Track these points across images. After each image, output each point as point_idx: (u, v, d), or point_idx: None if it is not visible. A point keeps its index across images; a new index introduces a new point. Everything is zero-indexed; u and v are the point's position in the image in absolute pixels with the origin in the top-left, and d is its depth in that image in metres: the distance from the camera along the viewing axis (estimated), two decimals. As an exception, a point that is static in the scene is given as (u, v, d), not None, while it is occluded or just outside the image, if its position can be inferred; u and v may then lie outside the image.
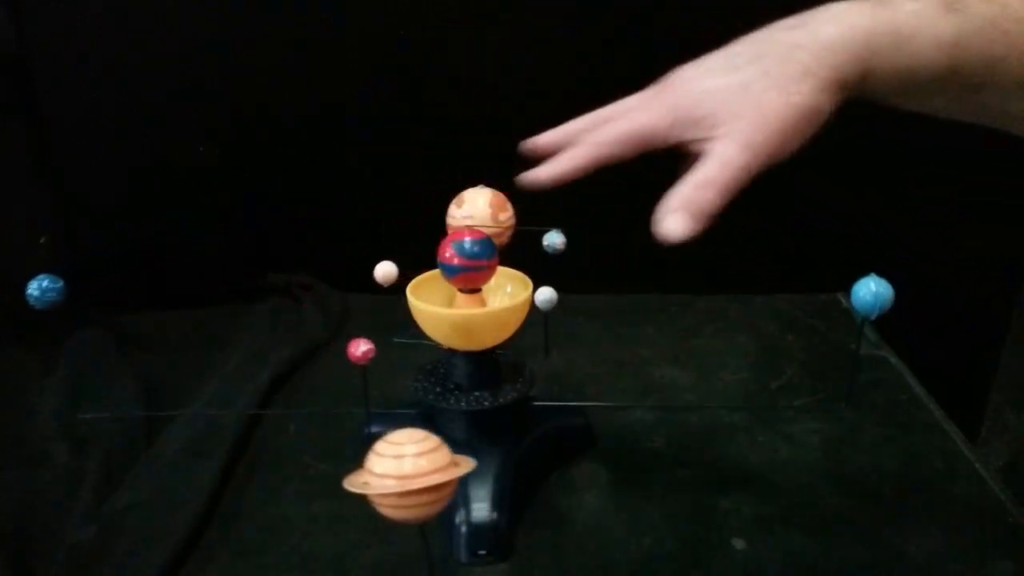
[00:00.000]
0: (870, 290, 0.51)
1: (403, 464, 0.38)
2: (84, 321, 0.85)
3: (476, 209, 0.58)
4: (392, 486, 0.38)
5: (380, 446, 0.39)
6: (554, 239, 0.61)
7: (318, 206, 0.93)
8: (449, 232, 0.56)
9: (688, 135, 0.46)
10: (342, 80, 0.88)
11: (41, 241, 0.90)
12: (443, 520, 0.57)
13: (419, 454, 0.38)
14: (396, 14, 0.85)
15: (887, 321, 0.87)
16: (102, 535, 0.56)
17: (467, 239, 0.54)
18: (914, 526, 0.58)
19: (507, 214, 0.59)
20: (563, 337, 0.82)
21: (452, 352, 0.60)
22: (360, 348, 0.56)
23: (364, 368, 0.56)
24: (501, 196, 0.59)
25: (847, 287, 1.03)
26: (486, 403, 0.58)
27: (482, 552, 0.55)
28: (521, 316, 0.58)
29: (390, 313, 0.61)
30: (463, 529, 0.55)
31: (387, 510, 0.39)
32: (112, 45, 0.85)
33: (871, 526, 0.58)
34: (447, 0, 0.85)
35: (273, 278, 0.93)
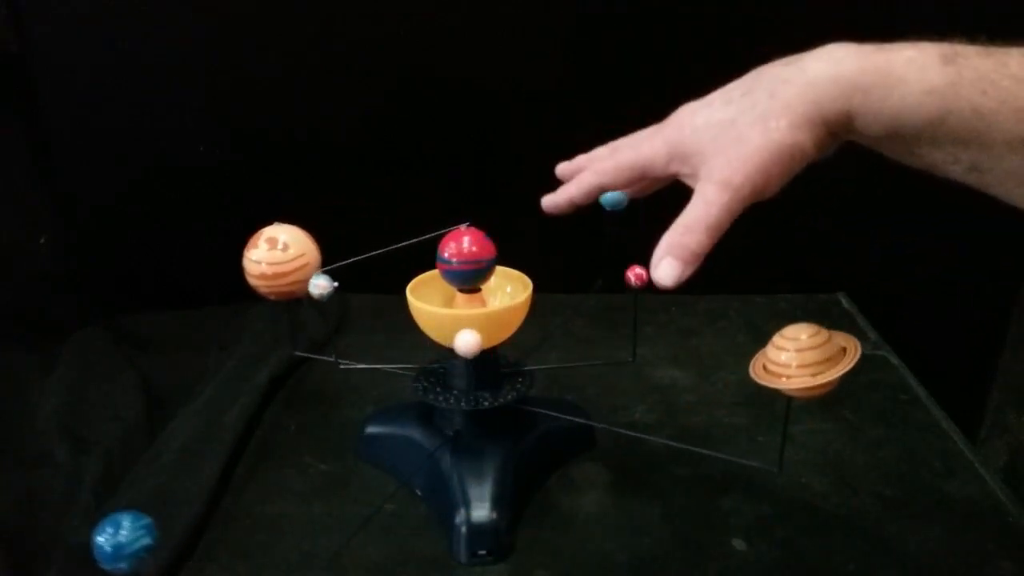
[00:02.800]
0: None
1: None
2: (84, 321, 0.86)
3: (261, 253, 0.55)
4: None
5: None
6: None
7: (318, 206, 0.93)
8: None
9: (682, 170, 0.48)
10: (342, 80, 0.88)
11: (41, 241, 0.90)
12: (443, 520, 0.57)
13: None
14: (396, 14, 0.85)
15: (887, 321, 0.88)
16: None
17: (466, 239, 0.54)
18: (914, 526, 0.58)
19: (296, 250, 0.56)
20: (563, 337, 0.83)
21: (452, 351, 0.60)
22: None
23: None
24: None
25: (847, 287, 1.04)
26: (486, 403, 0.58)
27: (482, 552, 0.55)
28: (521, 316, 0.58)
29: (390, 313, 0.61)
30: (463, 529, 0.55)
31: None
32: (112, 45, 0.85)
33: (871, 526, 0.58)
34: (447, 3, 0.85)
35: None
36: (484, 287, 0.58)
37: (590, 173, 0.54)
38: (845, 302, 0.93)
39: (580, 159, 0.57)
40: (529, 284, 0.60)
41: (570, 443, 0.66)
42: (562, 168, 0.58)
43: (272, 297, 0.56)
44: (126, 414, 0.71)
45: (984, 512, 0.60)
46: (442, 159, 0.92)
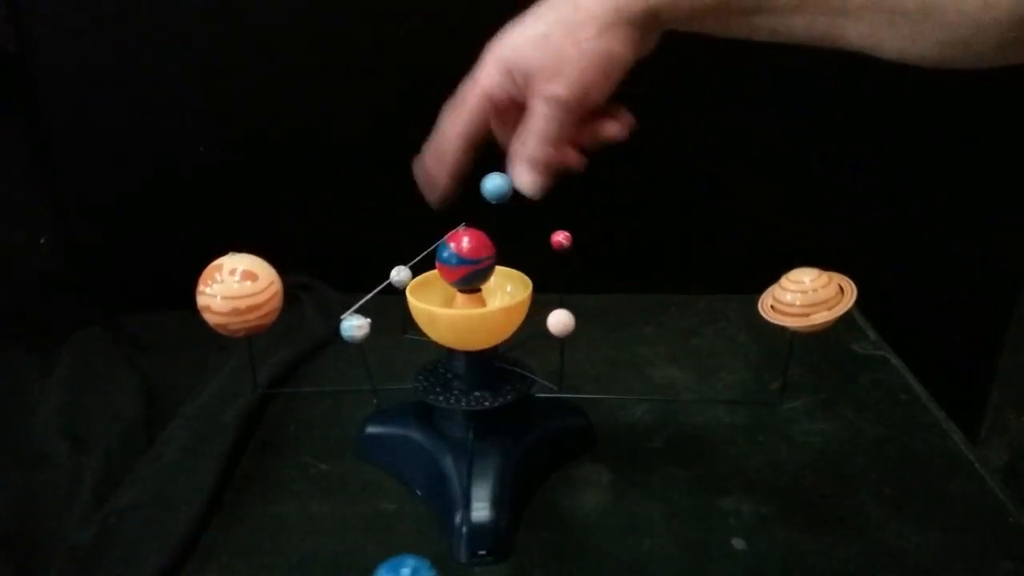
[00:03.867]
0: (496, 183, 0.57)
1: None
2: (84, 321, 0.86)
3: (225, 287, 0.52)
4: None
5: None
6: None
7: (318, 206, 0.94)
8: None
9: (513, 88, 0.49)
10: (342, 80, 0.88)
11: (41, 241, 0.90)
12: (443, 520, 0.57)
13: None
14: (397, 14, 0.85)
15: (887, 321, 0.88)
16: (102, 535, 0.56)
17: (466, 239, 0.54)
18: (914, 526, 0.58)
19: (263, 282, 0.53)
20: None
21: (452, 351, 0.60)
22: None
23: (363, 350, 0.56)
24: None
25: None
26: (486, 403, 0.58)
27: (482, 552, 0.55)
28: (521, 316, 0.58)
29: (390, 313, 0.61)
30: (463, 529, 0.55)
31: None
32: (112, 45, 0.85)
33: (871, 526, 0.58)
34: (447, 3, 0.85)
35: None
36: (484, 287, 0.58)
37: (454, 138, 0.53)
38: (845, 302, 0.93)
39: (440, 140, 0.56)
40: (529, 284, 0.60)
41: (570, 443, 0.66)
42: (424, 158, 0.56)
43: (240, 334, 0.53)
44: (126, 414, 0.71)
45: (984, 512, 0.60)
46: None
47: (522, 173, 0.50)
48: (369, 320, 0.53)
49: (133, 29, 0.85)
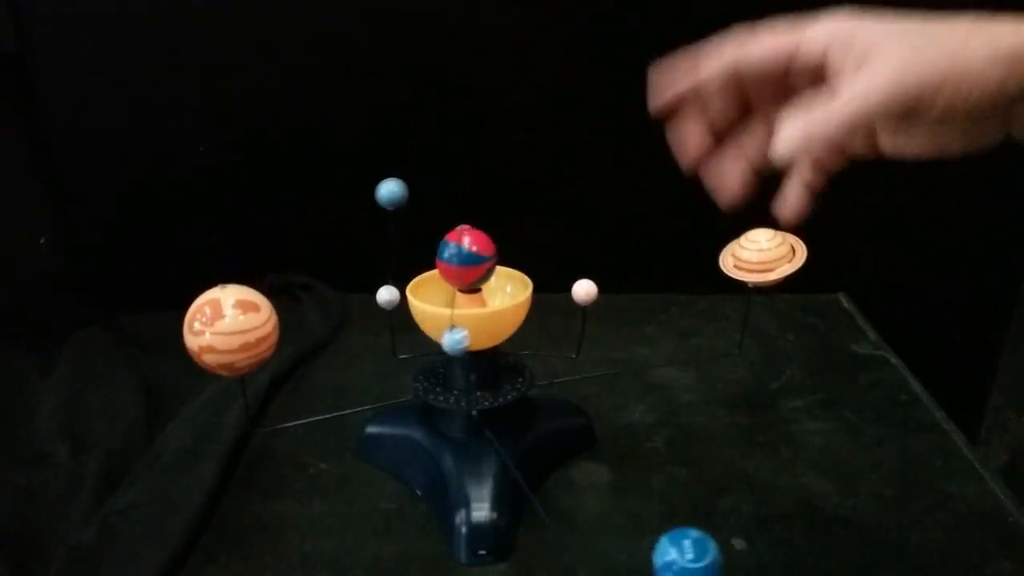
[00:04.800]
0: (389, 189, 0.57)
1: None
2: (84, 321, 0.86)
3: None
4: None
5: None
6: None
7: (318, 206, 0.94)
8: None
9: (834, 59, 0.41)
10: (342, 80, 0.88)
11: (41, 241, 0.90)
12: (443, 520, 0.57)
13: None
14: (397, 14, 0.85)
15: (887, 321, 0.88)
16: (102, 535, 0.56)
17: (466, 239, 0.54)
18: (914, 526, 0.58)
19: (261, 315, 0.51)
20: (563, 337, 0.82)
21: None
22: None
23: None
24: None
25: (847, 287, 1.04)
26: (486, 403, 0.58)
27: (482, 552, 0.55)
28: (521, 316, 0.58)
29: (390, 313, 0.61)
30: (463, 529, 0.55)
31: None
32: (112, 45, 0.85)
33: (871, 526, 0.58)
34: (447, 4, 0.85)
35: (273, 278, 0.93)
36: (484, 287, 0.58)
37: (730, 46, 0.45)
38: (845, 302, 0.93)
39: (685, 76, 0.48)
40: (529, 284, 0.60)
41: (570, 443, 0.66)
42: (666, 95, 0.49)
43: (244, 371, 0.50)
44: (126, 414, 0.71)
45: (984, 512, 0.60)
46: (442, 159, 0.92)
47: (793, 134, 0.41)
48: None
49: (133, 29, 0.85)
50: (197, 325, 0.49)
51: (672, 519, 0.59)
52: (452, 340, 0.50)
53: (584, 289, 0.57)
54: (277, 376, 0.75)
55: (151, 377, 0.78)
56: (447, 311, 0.57)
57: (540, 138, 0.90)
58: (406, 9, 0.85)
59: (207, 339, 0.49)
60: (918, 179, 0.93)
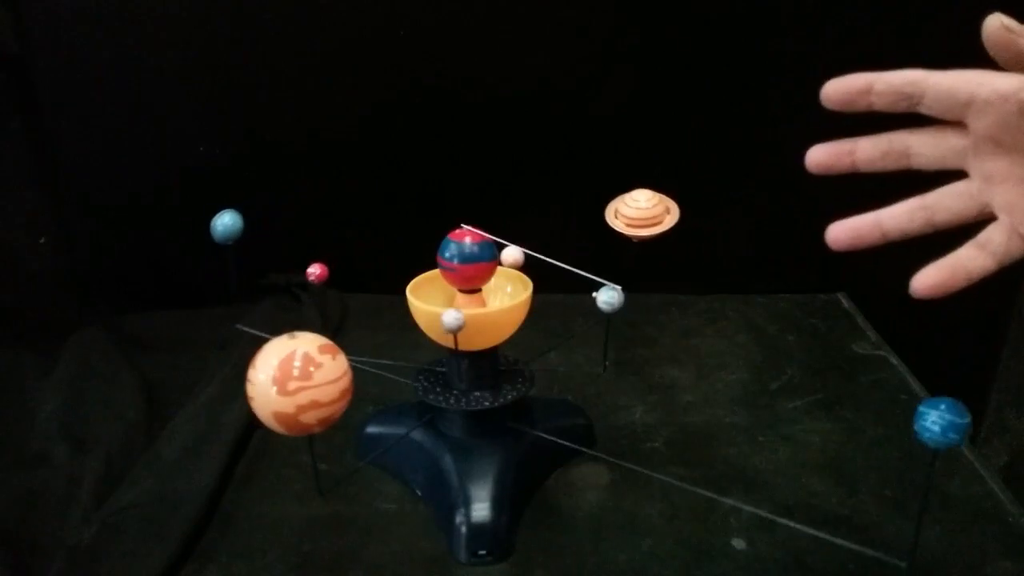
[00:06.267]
0: (223, 221, 0.60)
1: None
2: (84, 321, 0.86)
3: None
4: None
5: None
6: (610, 297, 0.59)
7: (318, 206, 0.94)
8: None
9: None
10: (342, 81, 0.88)
11: (41, 241, 0.90)
12: (443, 520, 0.57)
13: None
14: (397, 15, 0.85)
15: (887, 321, 0.88)
16: (102, 535, 0.56)
17: (466, 239, 0.55)
18: (914, 526, 0.58)
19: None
20: (563, 337, 0.82)
21: (454, 350, 0.60)
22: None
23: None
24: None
25: (847, 287, 1.03)
26: (486, 403, 0.58)
27: (482, 552, 0.55)
28: (521, 316, 0.58)
29: (390, 313, 0.61)
30: (463, 529, 0.55)
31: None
32: (112, 45, 0.85)
33: (871, 526, 0.58)
34: (447, 5, 0.85)
35: (273, 278, 0.93)
36: (484, 287, 0.58)
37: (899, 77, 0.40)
38: (845, 302, 0.93)
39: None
40: (529, 284, 0.60)
41: (570, 443, 0.66)
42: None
43: (332, 423, 0.46)
44: (126, 414, 0.71)
45: (984, 512, 0.60)
46: (442, 159, 0.92)
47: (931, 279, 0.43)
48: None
49: (133, 29, 0.85)
50: (292, 384, 0.43)
51: (672, 519, 0.59)
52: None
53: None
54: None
55: (151, 377, 0.78)
56: (447, 311, 0.57)
57: (540, 138, 0.90)
58: (406, 11, 0.85)
59: (310, 395, 0.43)
60: (918, 178, 0.92)
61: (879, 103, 0.42)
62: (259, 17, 0.85)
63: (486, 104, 0.89)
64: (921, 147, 0.43)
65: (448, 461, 0.58)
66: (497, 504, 0.56)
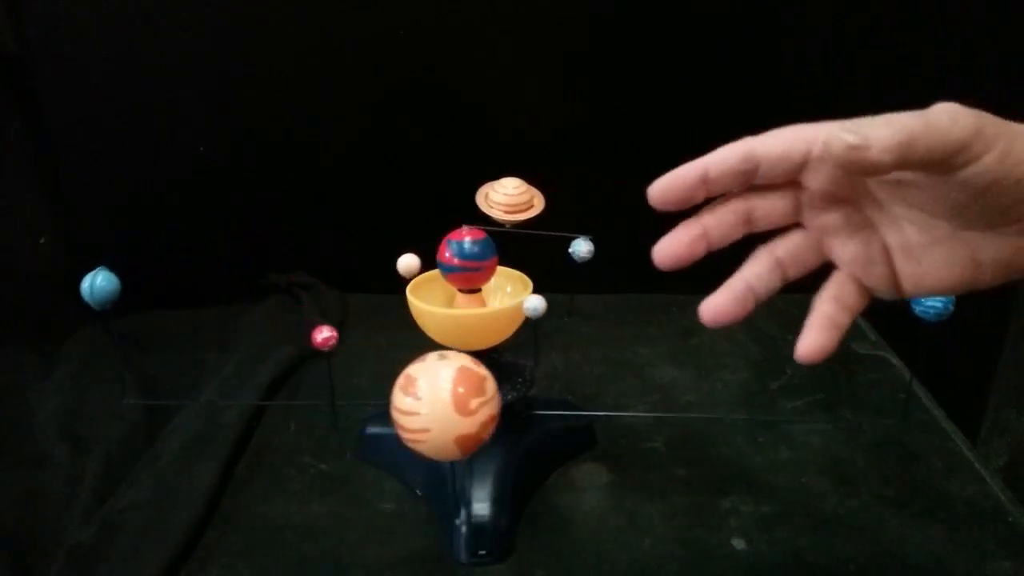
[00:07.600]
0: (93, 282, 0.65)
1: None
2: (84, 321, 0.85)
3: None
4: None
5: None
6: (580, 247, 0.66)
7: (318, 206, 0.93)
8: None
9: (975, 154, 0.34)
10: (342, 81, 0.88)
11: (41, 241, 0.90)
12: (443, 520, 0.57)
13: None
14: (397, 16, 0.85)
15: (887, 321, 0.88)
16: (102, 535, 0.56)
17: (466, 239, 0.54)
18: (914, 526, 0.58)
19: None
20: (563, 337, 0.83)
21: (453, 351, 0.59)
22: (322, 335, 0.61)
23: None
24: None
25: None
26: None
27: (482, 552, 0.55)
28: (521, 316, 0.58)
29: (390, 313, 0.61)
30: (463, 529, 0.55)
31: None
32: (113, 45, 0.85)
33: (871, 526, 0.58)
34: (447, 8, 0.85)
35: (273, 278, 0.93)
36: (484, 287, 0.58)
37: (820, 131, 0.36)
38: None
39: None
40: (529, 284, 0.60)
41: (570, 443, 0.66)
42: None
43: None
44: (126, 414, 0.71)
45: (984, 512, 0.60)
46: (442, 159, 0.92)
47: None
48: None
49: (133, 29, 0.85)
50: (474, 403, 0.42)
51: (672, 519, 0.59)
52: (532, 304, 0.54)
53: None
54: (277, 376, 0.75)
55: (151, 377, 0.78)
56: (447, 311, 0.57)
57: (539, 138, 0.90)
58: (406, 12, 0.85)
59: (491, 409, 0.43)
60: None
61: (716, 190, 0.40)
62: (259, 17, 0.85)
63: (487, 104, 0.89)
64: (760, 210, 0.42)
65: (448, 461, 0.58)
66: (497, 504, 0.56)
